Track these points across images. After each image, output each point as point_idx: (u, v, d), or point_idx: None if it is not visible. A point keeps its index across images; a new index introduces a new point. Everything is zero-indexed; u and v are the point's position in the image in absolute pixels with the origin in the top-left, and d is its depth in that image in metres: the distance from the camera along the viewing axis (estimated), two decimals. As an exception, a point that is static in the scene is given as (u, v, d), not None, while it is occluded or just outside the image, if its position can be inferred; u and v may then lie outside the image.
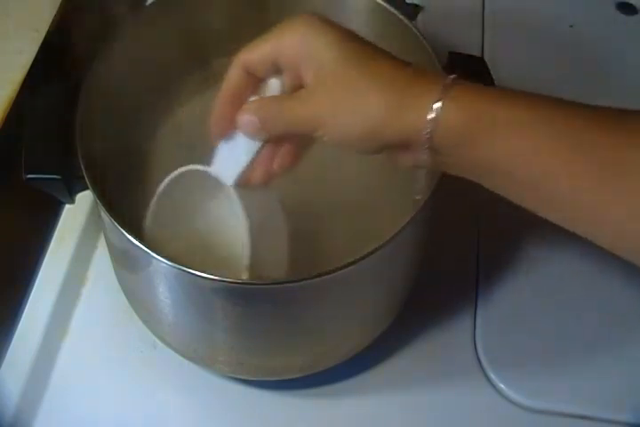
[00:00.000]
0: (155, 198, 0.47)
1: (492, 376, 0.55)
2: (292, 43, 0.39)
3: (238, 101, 0.42)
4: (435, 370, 0.56)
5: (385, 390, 0.55)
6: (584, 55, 0.72)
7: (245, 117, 0.41)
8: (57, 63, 0.60)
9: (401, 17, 0.52)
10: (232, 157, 0.44)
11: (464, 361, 0.56)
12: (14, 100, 0.55)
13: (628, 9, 0.77)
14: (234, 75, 0.42)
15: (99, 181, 0.45)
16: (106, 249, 0.56)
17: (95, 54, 0.49)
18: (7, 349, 0.56)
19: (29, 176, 0.47)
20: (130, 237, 0.42)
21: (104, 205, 0.44)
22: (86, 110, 0.47)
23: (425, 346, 0.57)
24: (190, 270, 0.41)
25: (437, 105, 0.36)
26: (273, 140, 0.42)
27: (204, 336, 0.51)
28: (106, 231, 0.51)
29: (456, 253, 0.61)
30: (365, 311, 0.51)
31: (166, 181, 0.47)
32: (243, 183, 0.44)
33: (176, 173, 0.46)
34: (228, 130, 0.43)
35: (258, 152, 0.43)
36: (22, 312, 0.58)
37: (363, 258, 0.42)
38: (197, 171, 0.45)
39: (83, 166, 0.45)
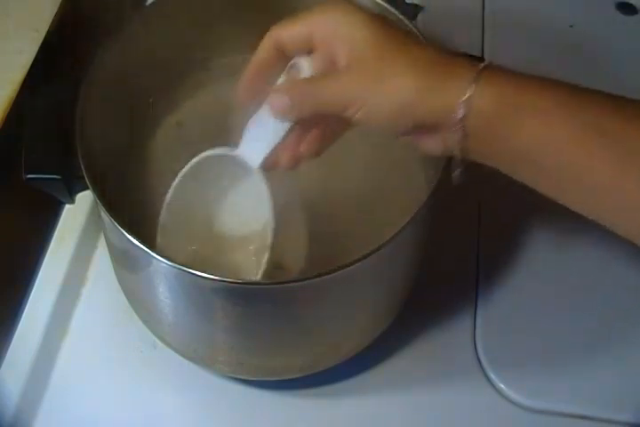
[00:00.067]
0: (175, 182, 0.47)
1: (492, 376, 0.55)
2: (326, 23, 0.40)
3: (265, 76, 0.43)
4: (435, 370, 0.56)
5: (385, 390, 0.55)
6: (584, 55, 0.72)
7: (276, 97, 0.41)
8: (57, 63, 0.60)
9: (401, 17, 0.52)
10: (259, 139, 0.43)
11: (464, 361, 0.56)
12: (14, 100, 0.55)
13: (627, 9, 0.77)
14: (264, 49, 0.42)
15: (99, 181, 0.45)
16: (106, 249, 0.56)
17: (95, 54, 0.49)
18: (7, 349, 0.56)
19: (29, 176, 0.47)
20: (130, 237, 0.42)
21: (104, 205, 0.44)
22: (86, 110, 0.47)
23: (425, 346, 0.57)
24: (190, 270, 0.41)
25: (470, 88, 0.36)
26: (302, 121, 0.42)
27: (204, 336, 0.51)
28: (106, 231, 0.51)
29: (456, 253, 0.61)
30: (365, 311, 0.51)
31: (189, 165, 0.47)
32: (269, 167, 0.44)
33: (202, 156, 0.46)
34: (252, 102, 0.43)
35: (285, 136, 0.43)
36: (22, 312, 0.58)
37: (363, 258, 0.42)
38: (217, 155, 0.45)
39: (83, 166, 0.45)
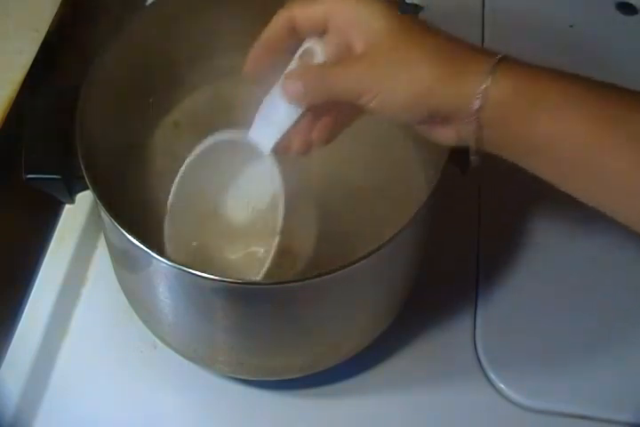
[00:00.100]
0: (184, 166, 0.47)
1: (492, 376, 0.55)
2: (344, 8, 0.40)
3: (273, 52, 0.43)
4: (435, 370, 0.56)
5: (385, 390, 0.55)
6: (584, 55, 0.72)
7: (290, 82, 0.41)
8: (57, 63, 0.60)
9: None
10: (271, 124, 0.43)
11: (464, 361, 0.56)
12: (14, 100, 0.55)
13: (627, 9, 0.77)
14: (275, 26, 0.42)
15: (99, 181, 0.45)
16: (106, 249, 0.56)
17: (95, 54, 0.49)
18: (7, 349, 0.56)
19: (29, 176, 0.47)
20: (130, 237, 0.42)
21: (104, 205, 0.44)
22: (86, 110, 0.47)
23: (425, 346, 0.57)
24: (190, 270, 0.41)
25: (486, 80, 0.36)
26: (314, 108, 0.42)
27: (204, 336, 0.51)
28: (106, 231, 0.51)
29: (456, 253, 0.61)
30: (365, 311, 0.51)
31: (198, 148, 0.46)
32: (281, 152, 0.44)
33: (211, 139, 0.46)
34: (259, 78, 0.43)
35: (297, 121, 0.42)
36: (22, 312, 0.58)
37: (363, 258, 0.42)
38: (227, 139, 0.45)
39: (83, 166, 0.45)
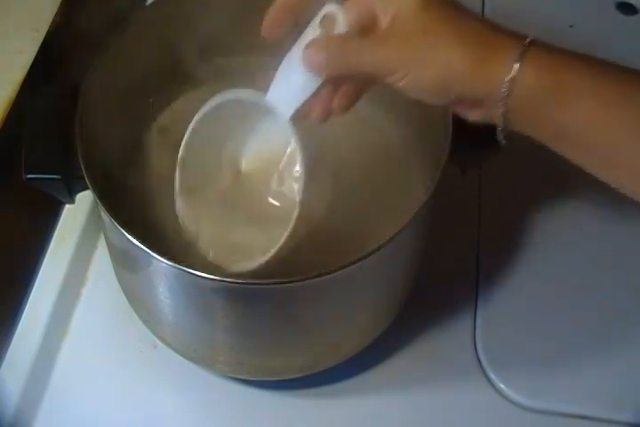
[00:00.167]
0: (196, 118, 0.46)
1: (492, 376, 0.55)
2: None
3: (292, 13, 0.42)
4: (435, 370, 0.56)
5: (385, 390, 0.55)
6: (584, 55, 0.72)
7: (312, 53, 0.40)
8: (57, 63, 0.60)
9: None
10: (290, 90, 0.42)
11: (464, 361, 0.56)
12: (14, 100, 0.55)
13: (627, 9, 0.77)
14: None
15: (99, 181, 0.45)
16: (106, 249, 0.56)
17: (95, 54, 0.49)
18: (7, 349, 0.56)
19: (29, 176, 0.47)
20: (130, 237, 0.42)
21: (104, 205, 0.44)
22: (86, 110, 0.47)
23: (425, 346, 0.57)
24: (190, 270, 0.41)
25: (515, 66, 0.36)
26: (334, 78, 0.41)
27: (204, 336, 0.51)
28: (106, 231, 0.51)
29: (456, 253, 0.61)
30: (365, 311, 0.51)
31: (213, 102, 0.45)
32: (300, 118, 0.43)
33: (226, 97, 0.45)
34: (277, 38, 0.42)
35: (318, 89, 0.41)
36: (22, 312, 0.58)
37: (363, 258, 0.42)
38: (243, 99, 0.44)
39: (83, 166, 0.45)
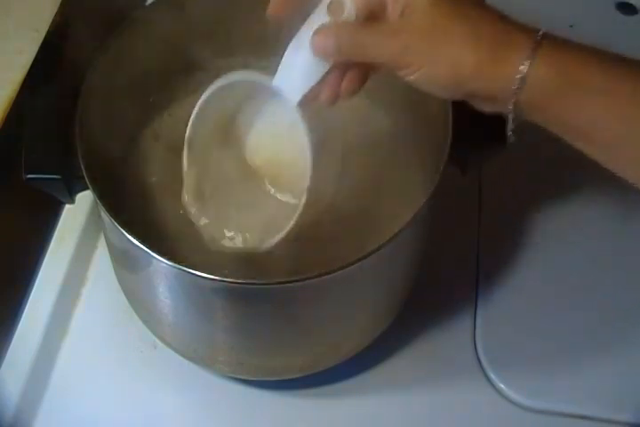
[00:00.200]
0: (203, 97, 0.45)
1: (492, 376, 0.55)
2: None
3: None
4: (435, 370, 0.56)
5: (385, 390, 0.55)
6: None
7: (321, 38, 0.40)
8: (57, 63, 0.60)
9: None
10: (299, 74, 0.42)
11: (464, 361, 0.56)
12: (14, 100, 0.55)
13: (627, 9, 0.77)
14: None
15: (99, 181, 0.45)
16: (106, 249, 0.56)
17: (95, 54, 0.49)
18: (7, 349, 0.56)
19: (29, 176, 0.47)
20: (130, 237, 0.42)
21: (104, 205, 0.44)
22: (86, 110, 0.47)
23: (425, 346, 0.57)
24: (190, 270, 0.41)
25: (526, 63, 0.37)
26: (343, 64, 0.41)
27: (204, 336, 0.51)
28: (106, 231, 0.51)
29: (456, 253, 0.61)
30: (365, 311, 0.51)
31: (220, 82, 0.45)
32: (308, 101, 0.43)
33: (232, 78, 0.44)
34: (285, 18, 0.42)
35: (327, 73, 0.41)
36: (22, 312, 0.58)
37: (363, 258, 0.42)
38: (250, 80, 0.44)
39: (83, 166, 0.45)
